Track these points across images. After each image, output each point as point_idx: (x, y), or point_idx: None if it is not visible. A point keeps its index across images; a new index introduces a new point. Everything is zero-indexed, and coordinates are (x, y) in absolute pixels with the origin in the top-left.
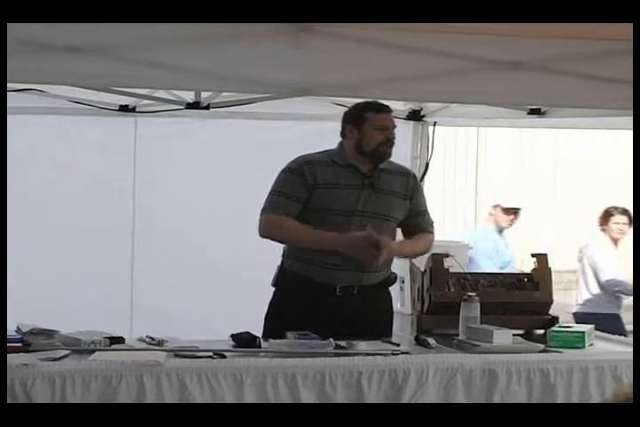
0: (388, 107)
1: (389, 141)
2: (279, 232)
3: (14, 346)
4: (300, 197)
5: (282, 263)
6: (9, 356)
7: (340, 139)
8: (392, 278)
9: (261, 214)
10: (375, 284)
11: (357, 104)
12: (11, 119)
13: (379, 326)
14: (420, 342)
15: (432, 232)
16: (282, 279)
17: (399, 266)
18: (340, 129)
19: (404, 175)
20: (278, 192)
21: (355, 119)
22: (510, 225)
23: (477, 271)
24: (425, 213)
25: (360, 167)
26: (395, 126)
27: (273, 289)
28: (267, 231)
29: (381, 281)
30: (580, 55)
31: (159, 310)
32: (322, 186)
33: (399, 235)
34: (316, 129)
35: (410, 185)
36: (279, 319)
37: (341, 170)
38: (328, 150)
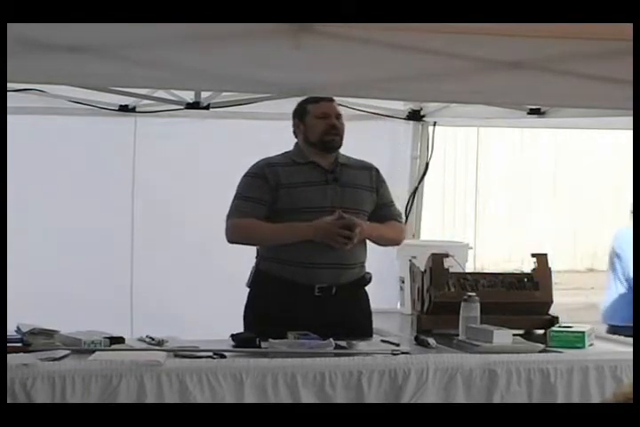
0: (328, 97)
1: (334, 128)
2: (248, 235)
3: (14, 346)
4: (264, 199)
5: (257, 264)
6: (9, 356)
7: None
8: (367, 278)
9: (227, 220)
10: (352, 282)
11: (300, 100)
12: (11, 119)
13: (360, 326)
14: (419, 342)
15: (401, 222)
16: (257, 280)
17: (399, 266)
18: None
19: (366, 169)
20: (242, 196)
21: (298, 113)
22: None
23: (478, 271)
24: (392, 204)
25: (320, 162)
26: (339, 115)
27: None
28: (234, 236)
29: (357, 279)
30: (579, 55)
31: (159, 310)
32: (286, 186)
33: None
34: None
35: (374, 178)
36: (258, 321)
37: (303, 168)
38: (286, 152)
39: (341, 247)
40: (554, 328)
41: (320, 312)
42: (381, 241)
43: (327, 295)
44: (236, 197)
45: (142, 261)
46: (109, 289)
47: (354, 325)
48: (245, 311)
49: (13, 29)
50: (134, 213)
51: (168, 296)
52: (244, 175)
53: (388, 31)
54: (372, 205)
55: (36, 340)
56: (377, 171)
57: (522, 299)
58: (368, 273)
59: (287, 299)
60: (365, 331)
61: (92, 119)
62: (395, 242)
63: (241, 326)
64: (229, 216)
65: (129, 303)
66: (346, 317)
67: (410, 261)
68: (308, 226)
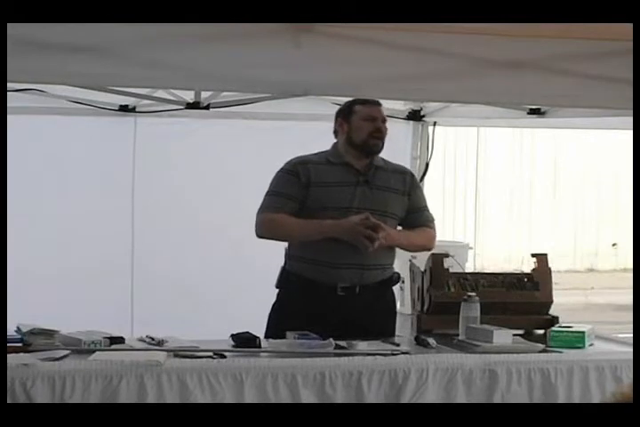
0: (376, 101)
1: (379, 132)
2: (276, 229)
3: (14, 346)
4: (295, 195)
5: (284, 264)
6: (9, 356)
7: (334, 140)
8: (395, 278)
9: (257, 215)
10: (377, 282)
11: (347, 100)
12: (11, 119)
13: (381, 326)
14: (419, 342)
15: (432, 228)
16: (284, 280)
17: (399, 266)
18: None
19: (400, 173)
20: (273, 192)
21: (344, 113)
22: None
23: (478, 271)
24: (424, 209)
25: (355, 164)
26: (385, 120)
27: (272, 289)
28: (263, 230)
29: (383, 280)
30: (580, 55)
31: (159, 310)
32: (316, 184)
33: None
34: (315, 129)
35: (407, 182)
36: (281, 320)
37: (336, 168)
38: (322, 152)
39: (364, 248)
40: (554, 328)
41: (343, 311)
42: (410, 248)
43: (350, 295)
44: (267, 193)
45: (142, 262)
46: (109, 289)
47: (375, 324)
48: (271, 310)
49: (13, 29)
50: (134, 213)
51: (168, 296)
52: (278, 171)
53: (388, 31)
54: (403, 209)
55: (36, 340)
56: (412, 175)
57: (522, 299)
58: (396, 273)
59: (311, 298)
60: (386, 330)
61: (92, 119)
62: (424, 248)
63: (241, 326)
64: (260, 211)
65: (129, 303)
66: (369, 316)
67: (410, 261)
68: (334, 224)
